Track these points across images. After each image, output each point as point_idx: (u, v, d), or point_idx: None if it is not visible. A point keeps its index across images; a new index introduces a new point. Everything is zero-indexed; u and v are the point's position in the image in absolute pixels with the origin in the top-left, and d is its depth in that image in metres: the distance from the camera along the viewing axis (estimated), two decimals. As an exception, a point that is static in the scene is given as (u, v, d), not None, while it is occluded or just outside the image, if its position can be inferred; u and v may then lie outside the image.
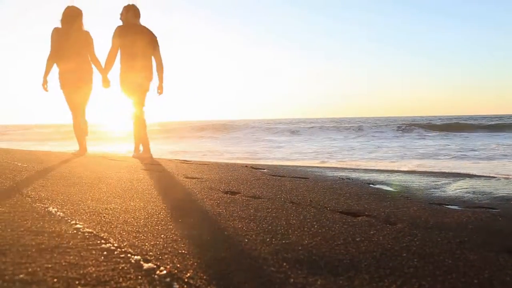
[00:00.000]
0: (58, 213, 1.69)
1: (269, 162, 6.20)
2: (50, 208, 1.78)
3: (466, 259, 1.26)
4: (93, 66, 5.00)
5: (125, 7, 4.93)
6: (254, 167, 4.25)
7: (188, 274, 1.06)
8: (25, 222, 1.51)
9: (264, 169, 4.10)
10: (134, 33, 4.89)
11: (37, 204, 1.86)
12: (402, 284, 1.05)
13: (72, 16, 4.84)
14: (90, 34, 4.97)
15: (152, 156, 5.09)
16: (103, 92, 5.05)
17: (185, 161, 5.03)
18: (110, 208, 1.84)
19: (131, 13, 4.91)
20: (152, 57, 5.02)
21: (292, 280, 1.05)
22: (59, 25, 4.83)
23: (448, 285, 1.06)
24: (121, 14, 4.96)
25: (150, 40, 4.95)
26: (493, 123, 24.75)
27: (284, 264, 1.17)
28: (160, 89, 5.07)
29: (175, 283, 1.00)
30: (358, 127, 22.58)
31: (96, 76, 5.02)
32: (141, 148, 5.25)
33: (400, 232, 1.58)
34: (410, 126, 22.03)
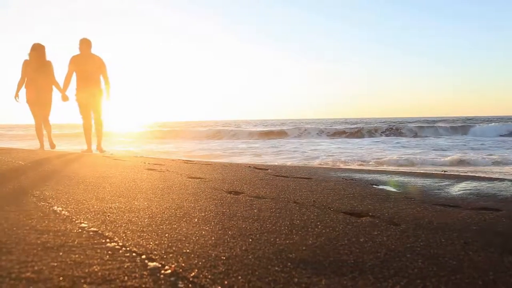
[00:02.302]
0: (63, 212, 1.70)
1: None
2: (55, 207, 1.79)
3: (470, 260, 1.26)
4: (54, 87, 6.82)
5: (80, 40, 6.66)
6: (257, 167, 4.26)
7: (193, 273, 1.06)
8: (30, 221, 1.52)
9: (267, 169, 4.10)
10: (86, 60, 6.65)
11: (42, 203, 1.87)
12: (406, 285, 1.05)
13: (37, 50, 6.65)
14: (51, 63, 6.79)
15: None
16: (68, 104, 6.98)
17: (188, 161, 5.04)
18: (115, 207, 1.85)
19: (84, 45, 6.67)
20: (101, 76, 6.76)
21: (296, 280, 1.05)
22: (27, 58, 6.61)
23: (452, 286, 1.05)
24: (79, 45, 6.63)
25: (99, 64, 6.72)
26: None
27: (288, 264, 1.17)
28: (107, 98, 6.82)
29: (180, 282, 1.00)
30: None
31: (57, 93, 6.93)
32: (94, 145, 6.93)
33: (404, 232, 1.58)
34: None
